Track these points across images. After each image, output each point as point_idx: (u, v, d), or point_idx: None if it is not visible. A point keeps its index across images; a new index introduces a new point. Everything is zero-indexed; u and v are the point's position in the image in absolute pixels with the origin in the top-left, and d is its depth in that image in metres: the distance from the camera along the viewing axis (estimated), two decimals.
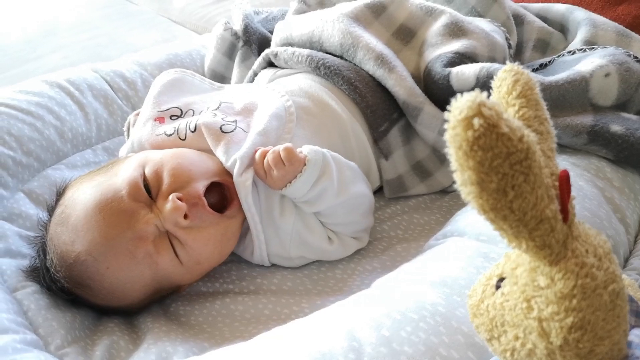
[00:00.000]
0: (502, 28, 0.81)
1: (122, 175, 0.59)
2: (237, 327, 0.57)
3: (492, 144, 0.30)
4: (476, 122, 0.30)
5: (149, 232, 0.56)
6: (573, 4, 0.98)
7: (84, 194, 0.59)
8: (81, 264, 0.56)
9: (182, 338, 0.55)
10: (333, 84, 0.72)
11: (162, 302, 0.63)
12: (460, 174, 0.31)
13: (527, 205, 0.32)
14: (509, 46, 0.80)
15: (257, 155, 0.61)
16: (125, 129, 0.76)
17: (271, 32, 0.94)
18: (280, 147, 0.60)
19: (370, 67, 0.72)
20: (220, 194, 0.62)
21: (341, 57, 0.75)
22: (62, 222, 0.59)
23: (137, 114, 0.75)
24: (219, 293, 0.63)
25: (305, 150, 0.61)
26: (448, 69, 0.69)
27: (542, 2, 1.00)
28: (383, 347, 0.41)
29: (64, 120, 0.77)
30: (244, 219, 0.62)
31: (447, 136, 0.31)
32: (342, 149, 0.68)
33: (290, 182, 0.60)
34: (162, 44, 1.25)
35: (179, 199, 0.56)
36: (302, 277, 0.64)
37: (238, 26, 0.92)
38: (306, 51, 0.75)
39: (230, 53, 0.92)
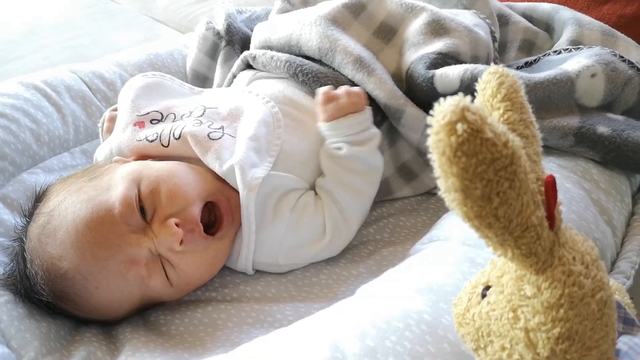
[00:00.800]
0: (487, 20, 0.80)
1: (115, 191, 0.56)
2: (219, 336, 0.56)
3: (476, 149, 0.29)
4: (460, 127, 0.29)
5: (142, 256, 0.55)
6: (559, 3, 0.98)
7: (74, 207, 0.56)
8: (69, 280, 0.55)
9: (161, 349, 0.53)
10: (312, 91, 0.71)
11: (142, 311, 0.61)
12: (444, 180, 0.30)
13: (512, 212, 0.31)
14: (494, 39, 0.79)
15: (324, 89, 0.66)
16: (100, 125, 0.74)
17: None
18: (345, 90, 0.66)
19: (349, 71, 0.71)
20: (209, 212, 0.60)
21: (320, 61, 0.74)
22: (48, 234, 0.56)
23: (113, 110, 0.73)
24: (201, 301, 0.61)
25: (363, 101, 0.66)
26: (431, 72, 0.68)
27: (528, 1, 1.00)
28: (367, 358, 0.40)
29: (40, 123, 0.74)
30: (233, 237, 0.61)
31: (430, 142, 0.30)
32: None
33: (351, 115, 0.64)
34: (145, 43, 1.22)
35: (176, 224, 0.55)
36: (286, 283, 0.62)
37: (220, 26, 0.90)
38: (285, 56, 0.73)
39: (212, 53, 0.90)
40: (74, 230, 0.54)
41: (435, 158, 0.30)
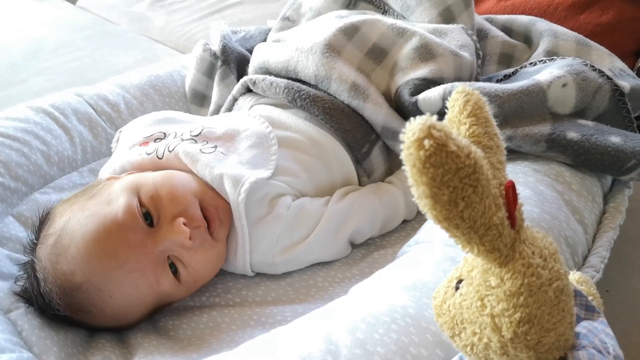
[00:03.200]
0: (474, 37, 0.84)
1: (117, 203, 0.60)
2: (224, 338, 0.60)
3: (442, 161, 0.34)
4: (427, 142, 0.33)
5: (149, 262, 0.59)
6: (538, 13, 1.03)
7: (80, 224, 0.59)
8: (83, 293, 0.58)
9: (171, 351, 0.58)
10: (310, 114, 0.76)
11: (152, 318, 0.65)
12: (416, 188, 0.35)
13: (476, 214, 0.35)
14: (478, 56, 0.83)
15: None
16: (113, 144, 0.79)
17: (249, 51, 0.98)
18: None
19: (345, 97, 0.75)
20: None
21: (316, 87, 0.78)
22: (59, 253, 0.59)
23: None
24: (206, 307, 0.65)
25: None
26: (414, 97, 0.73)
27: (507, 14, 1.05)
28: (358, 349, 0.44)
29: (49, 145, 0.79)
30: (226, 239, 0.66)
31: (403, 156, 0.35)
32: (323, 170, 0.72)
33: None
34: (144, 63, 1.28)
35: (183, 223, 0.60)
36: (285, 287, 0.67)
37: (216, 46, 0.95)
38: (283, 82, 0.78)
39: (210, 72, 0.96)
40: (83, 246, 0.58)
41: (408, 169, 0.34)
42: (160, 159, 0.68)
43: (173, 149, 0.68)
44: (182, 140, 0.70)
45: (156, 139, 0.72)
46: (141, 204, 0.61)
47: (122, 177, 0.67)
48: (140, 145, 0.72)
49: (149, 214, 0.60)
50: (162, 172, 0.66)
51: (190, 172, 0.67)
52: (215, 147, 0.69)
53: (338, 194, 0.71)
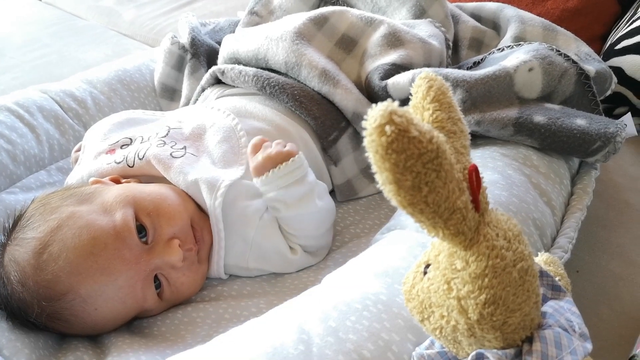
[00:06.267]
0: (442, 29, 0.85)
1: (113, 216, 0.59)
2: (198, 332, 0.60)
3: (404, 146, 0.34)
4: (388, 128, 0.33)
5: (140, 279, 0.59)
6: (504, 1, 1.04)
7: (73, 234, 0.56)
8: (67, 303, 0.57)
9: (145, 348, 0.57)
10: (279, 102, 0.75)
11: None
12: (380, 175, 0.35)
13: (440, 199, 0.35)
14: (448, 47, 0.84)
15: (254, 139, 0.65)
16: (72, 164, 0.77)
17: (218, 43, 0.97)
18: (277, 141, 0.65)
19: (315, 84, 0.75)
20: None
21: (286, 75, 0.78)
22: (46, 260, 0.56)
23: (78, 150, 0.76)
24: (181, 303, 0.65)
25: (294, 148, 0.64)
26: (384, 82, 0.73)
27: (476, 0, 1.05)
28: (330, 337, 0.45)
29: (15, 144, 0.77)
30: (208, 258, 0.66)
31: (366, 142, 0.35)
32: None
33: (271, 171, 0.63)
34: (113, 58, 1.25)
35: (179, 245, 0.60)
36: (260, 282, 0.67)
37: (185, 39, 0.94)
38: (252, 70, 0.77)
39: (179, 66, 0.94)
40: (75, 257, 0.56)
41: (371, 156, 0.34)
42: (132, 167, 0.67)
43: (144, 156, 0.67)
44: (151, 144, 0.68)
45: (123, 146, 0.70)
46: (136, 218, 0.60)
47: (112, 184, 0.65)
48: (107, 153, 0.70)
49: (142, 228, 0.60)
50: (157, 187, 0.64)
51: (163, 178, 0.66)
52: (185, 148, 0.68)
53: None
